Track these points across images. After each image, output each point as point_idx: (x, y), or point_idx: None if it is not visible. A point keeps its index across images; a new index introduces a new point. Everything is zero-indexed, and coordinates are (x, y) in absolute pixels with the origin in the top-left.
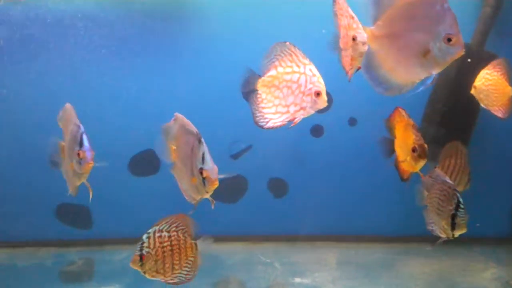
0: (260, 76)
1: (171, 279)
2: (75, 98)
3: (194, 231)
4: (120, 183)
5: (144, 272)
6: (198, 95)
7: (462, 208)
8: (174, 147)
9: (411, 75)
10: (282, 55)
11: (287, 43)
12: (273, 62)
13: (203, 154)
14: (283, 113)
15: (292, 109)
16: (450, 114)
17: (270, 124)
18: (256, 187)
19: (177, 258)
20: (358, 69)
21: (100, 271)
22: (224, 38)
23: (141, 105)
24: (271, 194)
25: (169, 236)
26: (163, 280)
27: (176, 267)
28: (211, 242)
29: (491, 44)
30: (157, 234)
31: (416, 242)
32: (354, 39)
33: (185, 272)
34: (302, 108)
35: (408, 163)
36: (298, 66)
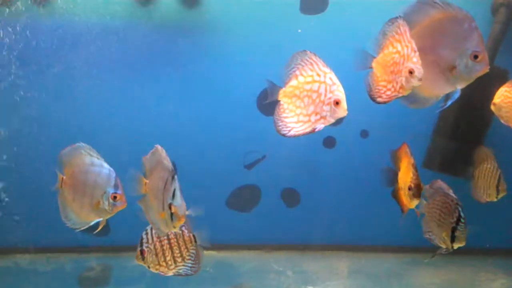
0: (281, 88)
1: (177, 271)
2: (89, 110)
3: (191, 224)
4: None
5: (148, 266)
6: (214, 107)
7: (463, 222)
8: (146, 181)
9: (436, 90)
10: (303, 64)
11: (308, 51)
12: (294, 71)
13: (175, 190)
14: (304, 122)
15: (313, 118)
16: (462, 127)
17: (292, 133)
18: (269, 197)
19: (177, 251)
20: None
21: (117, 277)
22: (240, 51)
23: (156, 116)
24: (284, 204)
25: None
26: (163, 273)
27: (179, 259)
28: (208, 239)
29: (501, 59)
30: (154, 230)
31: (426, 253)
32: (411, 72)
33: (190, 264)
34: (322, 117)
35: (406, 199)
36: (318, 75)
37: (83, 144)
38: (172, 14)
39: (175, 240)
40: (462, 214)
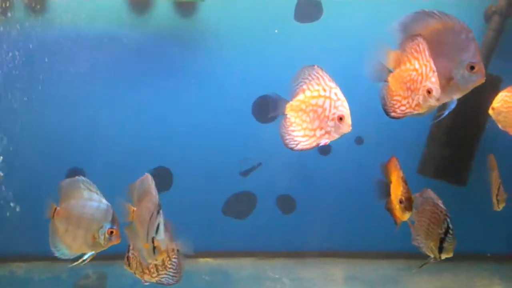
0: (287, 101)
1: (159, 280)
2: (87, 117)
3: (173, 233)
4: None
5: (135, 273)
6: (209, 114)
7: (451, 234)
8: (134, 208)
9: None
10: (310, 78)
11: (315, 66)
12: (301, 86)
13: (159, 224)
14: (310, 137)
15: (318, 133)
16: (456, 133)
17: (299, 147)
18: (265, 204)
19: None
20: None
21: (113, 285)
22: (234, 58)
23: (153, 123)
24: (280, 211)
25: None
26: (147, 282)
27: (160, 268)
28: (190, 247)
29: (494, 66)
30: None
31: (421, 259)
32: (429, 92)
33: (172, 274)
34: (327, 132)
35: (398, 211)
36: (324, 90)
37: (83, 178)
38: (167, 22)
39: None
40: (450, 225)
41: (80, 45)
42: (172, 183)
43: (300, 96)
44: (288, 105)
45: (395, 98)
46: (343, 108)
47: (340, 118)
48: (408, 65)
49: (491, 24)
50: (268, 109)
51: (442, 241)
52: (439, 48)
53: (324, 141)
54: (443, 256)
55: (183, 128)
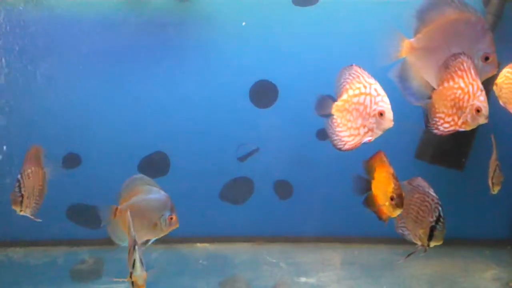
0: (334, 101)
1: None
2: (89, 100)
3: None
4: None
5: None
6: (207, 99)
7: (442, 222)
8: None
9: None
10: (351, 78)
11: (354, 65)
12: (344, 86)
13: (135, 260)
14: (355, 136)
15: (361, 131)
16: None
17: (346, 147)
18: (262, 189)
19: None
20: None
21: (110, 270)
22: (232, 43)
23: (150, 108)
24: (277, 196)
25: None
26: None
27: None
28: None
29: None
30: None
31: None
32: (478, 110)
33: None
34: (370, 130)
35: (387, 208)
36: (365, 87)
37: (140, 175)
38: (164, 6)
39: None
40: (442, 213)
41: (76, 30)
42: (170, 168)
43: (344, 96)
44: (334, 106)
45: (438, 115)
46: (383, 103)
47: (381, 114)
48: (451, 83)
49: (490, 8)
50: (268, 96)
51: (432, 229)
52: (454, 37)
53: (367, 138)
54: (432, 244)
55: (181, 113)
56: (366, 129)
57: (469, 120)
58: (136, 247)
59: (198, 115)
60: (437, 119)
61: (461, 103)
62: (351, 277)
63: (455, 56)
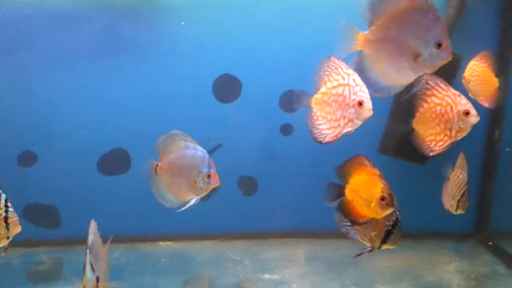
0: (313, 95)
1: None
2: (45, 96)
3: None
4: (89, 182)
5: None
6: (168, 94)
7: (399, 226)
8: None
9: (401, 78)
10: (330, 70)
11: (332, 57)
12: (323, 78)
13: (85, 264)
14: (335, 128)
15: (341, 122)
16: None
17: (327, 139)
18: (226, 185)
19: None
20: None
21: (69, 271)
22: (193, 36)
23: (110, 103)
24: (241, 192)
25: None
26: None
27: None
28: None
29: (455, 45)
30: None
31: None
32: (467, 113)
33: None
34: (350, 120)
35: (372, 210)
36: (343, 78)
37: (177, 131)
38: None
39: None
40: (399, 218)
41: (31, 25)
42: (131, 166)
43: (322, 89)
44: (313, 99)
45: (427, 139)
46: (362, 93)
47: (360, 103)
48: (426, 105)
49: (451, 2)
50: (231, 90)
51: (389, 232)
52: (407, 27)
53: (347, 129)
54: (385, 247)
55: (141, 109)
56: (346, 120)
57: (462, 126)
58: (87, 250)
59: (159, 110)
60: (428, 143)
61: (446, 116)
62: (314, 273)
63: (417, 81)
